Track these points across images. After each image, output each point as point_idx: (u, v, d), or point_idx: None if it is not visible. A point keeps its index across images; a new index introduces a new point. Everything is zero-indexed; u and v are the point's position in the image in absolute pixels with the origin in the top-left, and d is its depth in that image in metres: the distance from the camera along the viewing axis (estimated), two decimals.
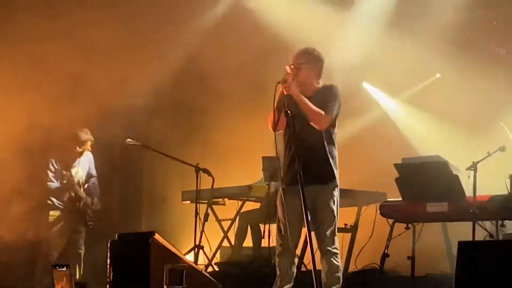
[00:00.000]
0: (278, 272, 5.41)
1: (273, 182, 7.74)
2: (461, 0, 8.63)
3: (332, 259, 5.35)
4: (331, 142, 5.46)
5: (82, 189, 7.96)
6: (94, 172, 8.21)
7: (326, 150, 5.40)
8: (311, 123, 5.36)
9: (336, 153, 5.48)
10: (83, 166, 8.08)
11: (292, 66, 5.38)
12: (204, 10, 9.08)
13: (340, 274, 5.38)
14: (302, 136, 5.33)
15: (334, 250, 5.37)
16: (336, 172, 5.45)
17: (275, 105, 5.26)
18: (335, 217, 5.39)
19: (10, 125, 7.88)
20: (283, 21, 8.98)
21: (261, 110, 9.17)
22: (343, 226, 7.46)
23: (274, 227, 7.76)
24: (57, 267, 5.12)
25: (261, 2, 9.11)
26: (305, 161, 5.18)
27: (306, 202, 5.01)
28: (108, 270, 5.09)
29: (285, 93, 5.27)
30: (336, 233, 5.42)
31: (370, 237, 7.28)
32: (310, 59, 5.52)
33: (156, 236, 4.96)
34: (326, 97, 5.43)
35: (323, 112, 5.34)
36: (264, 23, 9.06)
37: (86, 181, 8.07)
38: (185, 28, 9.09)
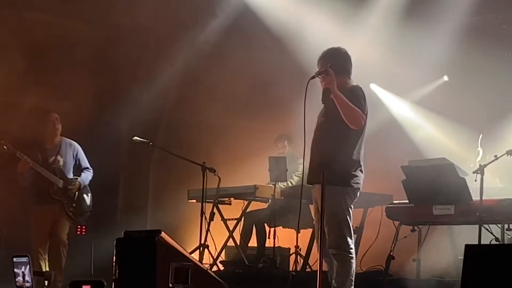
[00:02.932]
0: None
1: (279, 183, 7.76)
2: (470, 3, 8.61)
3: (337, 263, 5.27)
4: (349, 142, 5.31)
5: (57, 176, 7.63)
6: (85, 163, 7.94)
7: (340, 150, 5.30)
8: (347, 122, 5.20)
9: (354, 154, 5.33)
10: (65, 155, 7.79)
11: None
12: None
13: (345, 278, 5.26)
14: (322, 133, 5.31)
15: (339, 253, 5.24)
16: (349, 174, 5.32)
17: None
18: (339, 219, 5.27)
19: None
20: (288, 20, 8.99)
21: (268, 110, 9.25)
22: None
23: (279, 228, 7.81)
24: (16, 257, 5.22)
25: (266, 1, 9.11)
26: (318, 160, 5.20)
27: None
28: (114, 268, 5.10)
29: (323, 86, 5.12)
30: (346, 235, 5.27)
31: (376, 239, 7.28)
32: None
33: (162, 234, 4.95)
34: (350, 100, 5.28)
35: (359, 110, 5.21)
36: (268, 21, 9.07)
37: (74, 171, 7.80)
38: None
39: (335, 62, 5.36)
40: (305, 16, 8.96)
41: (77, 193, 7.79)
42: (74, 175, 7.86)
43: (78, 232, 8.23)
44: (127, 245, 5.16)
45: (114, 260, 5.13)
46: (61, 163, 7.77)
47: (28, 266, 5.15)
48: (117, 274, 5.08)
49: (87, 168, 7.96)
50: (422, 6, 8.84)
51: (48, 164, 7.72)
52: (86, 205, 7.90)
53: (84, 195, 7.89)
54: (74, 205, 7.73)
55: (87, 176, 7.93)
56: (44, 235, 7.63)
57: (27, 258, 5.20)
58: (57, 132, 7.83)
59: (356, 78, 5.60)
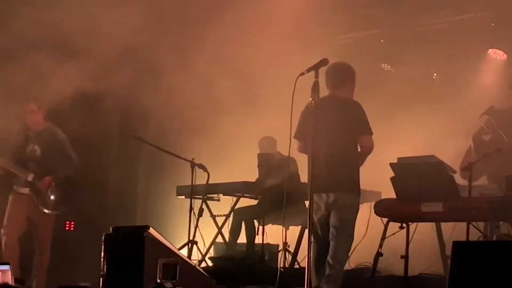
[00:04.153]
0: None
1: (268, 180, 7.75)
2: (459, 1, 8.64)
3: None
4: None
5: (29, 167, 7.35)
6: (67, 154, 7.56)
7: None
8: None
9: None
10: (44, 145, 7.47)
11: None
12: None
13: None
14: None
15: None
16: None
17: None
18: None
19: None
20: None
21: (257, 106, 9.23)
22: None
23: (268, 225, 7.81)
24: None
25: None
26: None
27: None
28: (102, 263, 5.09)
29: None
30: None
31: (364, 236, 7.28)
32: None
33: (151, 230, 4.96)
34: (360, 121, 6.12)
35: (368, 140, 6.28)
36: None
37: (56, 162, 7.47)
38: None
39: (336, 74, 5.93)
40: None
41: (50, 187, 7.40)
42: (55, 166, 7.48)
43: (67, 228, 8.18)
44: (115, 240, 5.15)
45: (102, 256, 5.12)
46: (38, 152, 7.47)
47: (9, 274, 5.10)
48: (105, 269, 5.07)
49: (69, 159, 7.57)
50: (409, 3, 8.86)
51: (25, 153, 7.43)
52: (63, 199, 7.49)
53: (61, 189, 7.48)
54: (45, 199, 7.37)
55: (66, 169, 7.55)
56: (17, 220, 7.30)
57: (8, 266, 5.15)
58: (36, 120, 7.52)
59: None
